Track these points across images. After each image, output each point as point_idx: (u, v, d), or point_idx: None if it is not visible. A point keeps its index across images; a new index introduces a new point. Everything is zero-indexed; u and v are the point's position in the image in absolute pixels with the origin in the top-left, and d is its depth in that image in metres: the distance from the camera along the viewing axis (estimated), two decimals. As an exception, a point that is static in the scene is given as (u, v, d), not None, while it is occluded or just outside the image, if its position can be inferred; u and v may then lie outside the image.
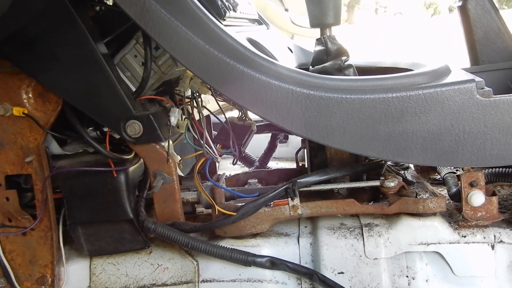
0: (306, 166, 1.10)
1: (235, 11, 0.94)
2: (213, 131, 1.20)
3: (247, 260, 0.89)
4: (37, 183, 0.95)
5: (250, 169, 1.30)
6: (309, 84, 0.81)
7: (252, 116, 1.10)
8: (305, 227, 0.99)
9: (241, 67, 0.80)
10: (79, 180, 0.93)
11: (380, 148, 0.83)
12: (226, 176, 1.15)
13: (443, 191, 1.04)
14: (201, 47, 0.80)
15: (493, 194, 0.93)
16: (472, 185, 0.90)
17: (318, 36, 1.01)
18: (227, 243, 0.92)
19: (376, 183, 0.94)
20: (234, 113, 1.15)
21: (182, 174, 1.10)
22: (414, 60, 1.03)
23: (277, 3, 3.59)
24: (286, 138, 1.29)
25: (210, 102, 1.14)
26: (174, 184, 0.93)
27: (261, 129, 1.17)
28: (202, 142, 0.93)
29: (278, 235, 0.97)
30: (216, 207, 0.92)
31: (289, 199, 0.92)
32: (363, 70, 1.10)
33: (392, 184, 0.93)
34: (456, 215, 0.96)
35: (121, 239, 0.95)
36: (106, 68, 0.86)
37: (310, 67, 1.01)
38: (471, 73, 0.92)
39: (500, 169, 0.98)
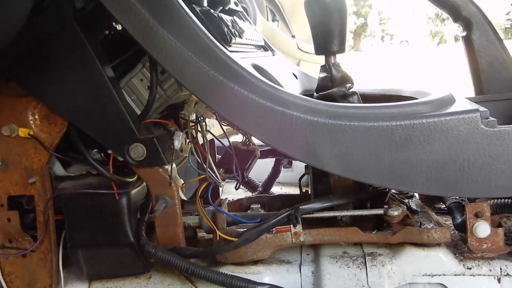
0: (310, 192, 1.09)
1: (241, 37, 0.95)
2: (217, 156, 1.20)
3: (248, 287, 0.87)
4: (40, 204, 0.94)
5: (253, 194, 1.29)
6: (312, 110, 0.82)
7: (256, 141, 1.10)
8: (307, 254, 0.98)
9: (246, 93, 0.81)
10: (81, 202, 0.93)
11: (384, 176, 0.83)
12: (228, 200, 1.15)
13: (448, 221, 1.03)
14: (206, 72, 0.81)
15: (499, 225, 0.91)
16: (477, 215, 0.88)
17: (324, 62, 1.02)
18: (227, 270, 0.91)
19: (380, 211, 0.93)
20: (238, 138, 1.16)
21: (185, 198, 1.09)
22: (418, 89, 1.03)
23: (284, 29, 3.64)
24: (290, 163, 1.29)
25: (214, 126, 1.15)
26: (176, 208, 0.92)
27: (265, 154, 1.17)
28: (205, 166, 0.93)
29: (279, 262, 0.95)
30: (218, 232, 0.91)
31: (292, 225, 0.91)
32: (367, 97, 1.11)
33: (396, 213, 0.92)
34: (461, 246, 0.95)
35: (121, 263, 0.94)
36: (112, 91, 0.87)
37: (315, 93, 1.01)
38: (476, 102, 0.92)
39: (506, 200, 0.97)
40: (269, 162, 1.41)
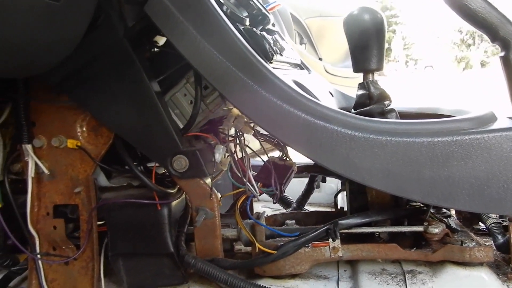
0: (345, 209, 1.09)
1: (281, 55, 0.98)
2: (251, 170, 1.21)
3: (286, 301, 0.87)
4: (84, 213, 0.98)
5: (287, 210, 1.30)
6: (353, 125, 0.83)
7: (292, 157, 1.11)
8: (345, 271, 0.97)
9: (288, 107, 0.83)
10: (124, 212, 0.95)
11: (425, 192, 0.82)
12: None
13: (488, 242, 1.01)
14: (250, 87, 0.83)
15: (544, 245, 0.89)
16: (521, 235, 0.87)
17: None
18: (265, 283, 0.91)
19: (420, 228, 0.93)
20: (275, 154, 1.17)
21: (221, 212, 1.11)
22: (457, 107, 1.03)
23: (311, 52, 3.69)
24: (324, 181, 1.29)
25: (250, 142, 1.17)
26: (216, 220, 0.94)
27: (300, 170, 1.18)
28: (244, 180, 0.95)
29: (317, 277, 0.95)
30: (257, 244, 0.92)
31: (330, 240, 0.91)
32: (404, 115, 1.12)
33: (436, 230, 0.91)
34: (504, 266, 0.93)
35: (160, 273, 0.95)
36: (158, 105, 0.90)
37: (352, 110, 1.03)
38: (517, 121, 0.92)
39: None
40: (299, 182, 1.42)
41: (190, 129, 0.96)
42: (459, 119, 0.85)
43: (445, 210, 1.07)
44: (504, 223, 1.01)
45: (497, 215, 1.06)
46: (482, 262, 0.89)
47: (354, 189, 1.05)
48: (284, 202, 1.31)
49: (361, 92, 1.02)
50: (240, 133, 1.04)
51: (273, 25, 1.25)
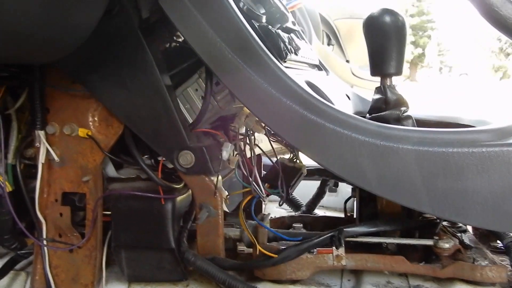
0: (355, 216, 1.06)
1: (296, 54, 0.96)
2: (262, 171, 1.20)
3: (284, 307, 0.85)
4: (90, 202, 0.98)
5: (296, 213, 1.28)
6: (364, 130, 0.80)
7: (303, 160, 1.09)
8: (348, 280, 0.94)
9: (297, 108, 0.81)
10: (129, 203, 0.95)
11: (436, 204, 0.79)
12: (271, 217, 1.14)
13: (505, 261, 0.96)
14: (260, 85, 0.81)
15: (563, 269, 0.84)
16: (538, 256, 0.82)
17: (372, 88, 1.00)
18: (264, 287, 0.90)
19: (430, 242, 0.89)
20: (286, 155, 1.15)
21: (228, 210, 1.09)
22: (479, 117, 0.99)
23: (339, 54, 3.64)
24: (336, 185, 1.26)
25: (263, 142, 1.15)
26: (219, 218, 0.93)
27: (311, 174, 1.15)
28: (250, 179, 0.93)
29: (318, 285, 0.93)
30: (258, 246, 0.90)
31: (334, 248, 0.88)
32: (423, 123, 1.08)
33: (447, 245, 0.87)
34: (518, 288, 0.88)
35: (160, 268, 0.95)
36: (168, 98, 0.90)
37: (367, 115, 0.99)
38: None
39: None
40: (315, 184, 1.39)
41: (200, 125, 0.95)
42: (477, 130, 0.81)
43: (460, 225, 1.02)
44: (523, 242, 0.96)
45: (516, 233, 1.01)
46: (494, 283, 0.85)
47: (364, 196, 1.02)
48: (294, 204, 1.29)
49: (377, 96, 0.98)
50: (251, 131, 1.03)
51: (294, 23, 1.23)
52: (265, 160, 1.11)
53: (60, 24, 0.76)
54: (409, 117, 0.95)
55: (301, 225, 1.12)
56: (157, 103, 0.90)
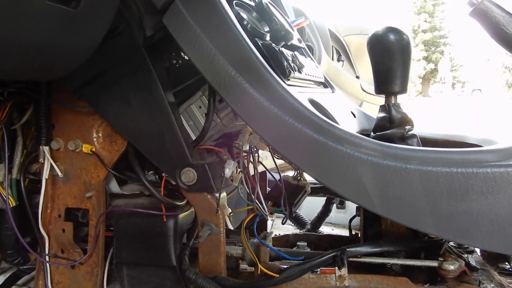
0: (360, 235, 1.05)
1: (300, 72, 0.96)
2: (268, 188, 1.19)
3: (285, 328, 0.84)
4: (93, 218, 0.98)
5: (300, 231, 1.26)
6: (366, 149, 0.79)
7: (307, 177, 1.08)
8: (352, 301, 0.92)
9: (299, 126, 0.80)
10: (131, 220, 0.95)
11: (441, 226, 0.77)
12: (275, 235, 1.13)
13: (513, 284, 0.93)
14: (262, 103, 0.81)
15: None
16: (546, 280, 0.79)
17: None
18: (266, 306, 0.88)
19: (434, 263, 0.87)
20: (290, 173, 1.14)
21: (232, 227, 1.09)
22: (485, 136, 0.97)
23: (349, 70, 3.63)
24: (342, 203, 1.25)
25: (268, 159, 1.14)
26: (220, 236, 0.92)
27: (315, 191, 1.14)
28: (253, 197, 0.92)
29: (321, 305, 0.91)
30: (259, 266, 0.89)
31: (336, 268, 0.87)
32: (429, 142, 1.06)
33: (452, 268, 0.85)
34: (527, 313, 0.85)
35: (162, 286, 0.94)
36: (171, 116, 0.90)
37: (372, 133, 0.98)
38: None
39: None
40: (322, 200, 1.38)
41: (203, 142, 0.95)
42: (482, 150, 0.80)
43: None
44: (532, 265, 0.94)
45: (525, 255, 0.99)
46: (501, 307, 0.82)
47: (369, 215, 1.00)
48: (299, 222, 1.28)
49: (382, 114, 0.97)
50: (255, 149, 1.03)
51: (299, 40, 1.23)
52: (269, 176, 1.10)
53: (64, 42, 0.77)
54: (413, 135, 0.94)
55: (306, 243, 1.11)
56: (160, 120, 0.91)
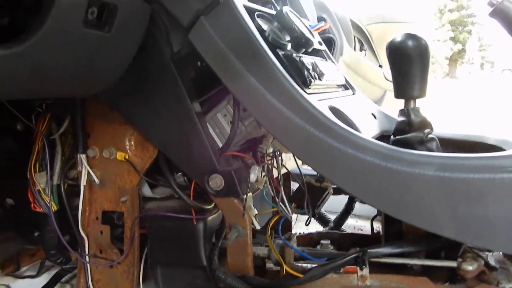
0: (381, 234, 1.08)
1: (320, 79, 0.99)
2: (293, 189, 1.23)
3: (310, 325, 0.89)
4: (128, 221, 1.05)
5: (324, 229, 1.31)
6: (386, 156, 0.82)
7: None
8: (374, 299, 0.97)
9: (320, 135, 0.84)
10: (163, 223, 1.02)
11: (458, 229, 0.80)
12: (299, 233, 1.17)
13: (534, 282, 0.96)
14: (283, 113, 0.85)
15: None
16: None
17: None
18: (292, 304, 0.93)
19: (453, 264, 0.90)
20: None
21: (259, 227, 1.14)
22: (504, 137, 0.99)
23: (371, 59, 3.61)
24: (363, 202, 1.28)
25: (291, 159, 1.19)
26: (247, 238, 0.97)
27: (338, 191, 1.18)
28: (277, 199, 0.97)
29: (344, 303, 0.96)
30: (284, 266, 0.94)
31: (358, 268, 0.91)
32: (448, 142, 1.08)
33: (470, 268, 0.88)
34: (545, 311, 0.88)
35: (193, 284, 1.01)
36: (198, 125, 0.95)
37: (392, 137, 1.01)
38: None
39: None
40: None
41: (229, 148, 1.00)
42: (499, 156, 0.82)
43: (487, 244, 1.02)
44: (552, 264, 0.95)
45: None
46: (519, 305, 0.85)
47: (389, 215, 1.03)
48: (322, 220, 1.32)
49: (401, 118, 1.00)
50: (278, 152, 1.07)
51: (320, 43, 1.26)
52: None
53: (98, 63, 0.83)
54: (433, 139, 0.96)
55: (329, 241, 1.15)
56: (188, 129, 0.96)
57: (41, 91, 0.81)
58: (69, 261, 1.15)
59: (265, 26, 0.97)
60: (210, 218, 1.01)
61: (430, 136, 0.97)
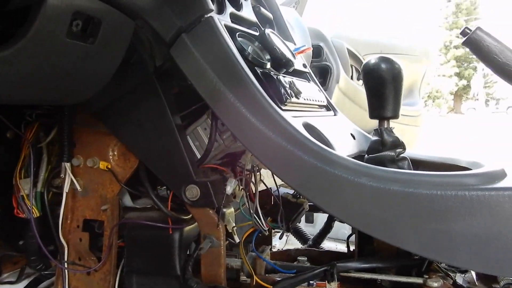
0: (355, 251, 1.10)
1: (297, 98, 1.03)
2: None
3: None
4: (107, 229, 1.08)
5: (302, 246, 1.32)
6: (353, 171, 0.85)
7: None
8: (344, 315, 0.97)
9: (291, 149, 0.87)
10: (141, 232, 1.04)
11: (422, 245, 0.82)
12: (277, 249, 1.19)
13: (503, 304, 0.96)
14: (257, 127, 0.89)
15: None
16: (528, 300, 0.83)
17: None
18: (261, 316, 0.94)
19: (420, 280, 0.91)
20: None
21: (237, 240, 1.16)
22: (475, 160, 1.01)
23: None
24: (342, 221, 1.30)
25: (270, 177, 1.21)
26: (221, 249, 0.99)
27: (315, 209, 1.20)
28: (251, 212, 1.00)
29: (314, 318, 0.97)
30: (255, 277, 0.95)
31: (327, 282, 0.92)
32: (422, 164, 1.11)
33: (435, 285, 0.89)
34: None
35: (166, 293, 1.02)
36: (177, 137, 0.99)
37: (365, 156, 1.04)
38: None
39: None
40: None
41: (207, 161, 1.03)
42: (464, 174, 0.85)
43: (460, 265, 1.03)
44: (521, 286, 0.96)
45: (514, 276, 1.01)
46: (484, 325, 0.86)
47: (362, 233, 1.05)
48: (301, 237, 1.33)
49: (375, 138, 1.03)
50: (257, 167, 1.10)
51: (304, 66, 1.31)
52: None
53: (82, 72, 0.88)
54: (404, 158, 0.99)
55: (306, 258, 1.16)
56: (168, 141, 1.00)
57: (25, 97, 0.86)
58: (49, 268, 1.17)
59: (246, 46, 1.02)
60: (186, 228, 1.03)
61: (401, 155, 1.00)
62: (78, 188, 1.08)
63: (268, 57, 1.07)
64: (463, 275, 1.01)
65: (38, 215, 1.09)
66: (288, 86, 1.00)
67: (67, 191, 1.08)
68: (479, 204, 0.79)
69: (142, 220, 1.06)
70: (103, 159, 1.08)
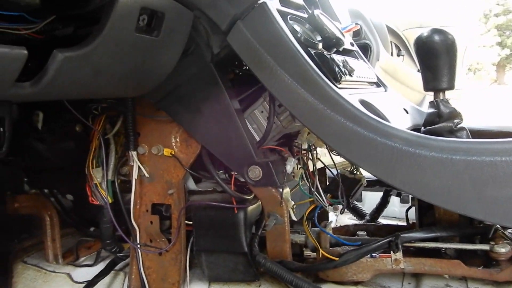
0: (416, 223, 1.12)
1: (351, 75, 1.05)
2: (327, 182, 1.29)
3: (346, 306, 0.93)
4: (175, 212, 1.14)
5: (359, 222, 1.35)
6: (414, 143, 0.87)
7: (363, 171, 1.17)
8: (409, 283, 1.00)
9: (350, 125, 0.90)
10: (207, 213, 1.10)
11: (486, 211, 0.83)
12: (336, 226, 1.23)
13: None
14: (316, 106, 0.92)
15: None
16: None
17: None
18: (328, 287, 0.98)
19: (486, 247, 0.92)
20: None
21: (295, 218, 1.20)
22: (536, 126, 1.00)
23: (410, 64, 3.59)
24: (399, 194, 1.31)
25: (326, 156, 1.25)
26: (285, 225, 1.04)
27: (372, 185, 1.22)
28: (313, 190, 1.03)
29: (379, 287, 1.00)
30: (321, 250, 0.99)
31: (392, 252, 0.95)
32: (481, 134, 1.11)
33: (502, 250, 0.90)
34: None
35: (235, 270, 1.08)
36: (237, 121, 1.03)
37: (422, 128, 1.05)
38: None
39: None
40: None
41: (266, 142, 1.07)
42: (525, 140, 0.84)
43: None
44: None
45: None
46: (554, 287, 0.86)
47: (423, 204, 1.07)
48: (358, 213, 1.36)
49: (431, 110, 1.04)
50: (313, 146, 1.13)
51: (352, 44, 1.32)
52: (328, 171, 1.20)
53: (147, 65, 0.94)
54: (462, 128, 0.99)
55: (365, 233, 1.19)
56: (228, 125, 1.04)
57: (98, 91, 0.92)
58: (123, 251, 1.26)
59: (297, 28, 1.04)
60: (250, 207, 1.08)
61: (459, 126, 1.00)
62: (146, 174, 1.15)
63: (319, 37, 1.09)
64: (528, 240, 1.01)
65: (111, 201, 1.16)
66: (341, 64, 1.02)
67: (135, 177, 1.15)
68: (545, 168, 0.79)
69: (207, 202, 1.12)
70: (167, 146, 1.14)
